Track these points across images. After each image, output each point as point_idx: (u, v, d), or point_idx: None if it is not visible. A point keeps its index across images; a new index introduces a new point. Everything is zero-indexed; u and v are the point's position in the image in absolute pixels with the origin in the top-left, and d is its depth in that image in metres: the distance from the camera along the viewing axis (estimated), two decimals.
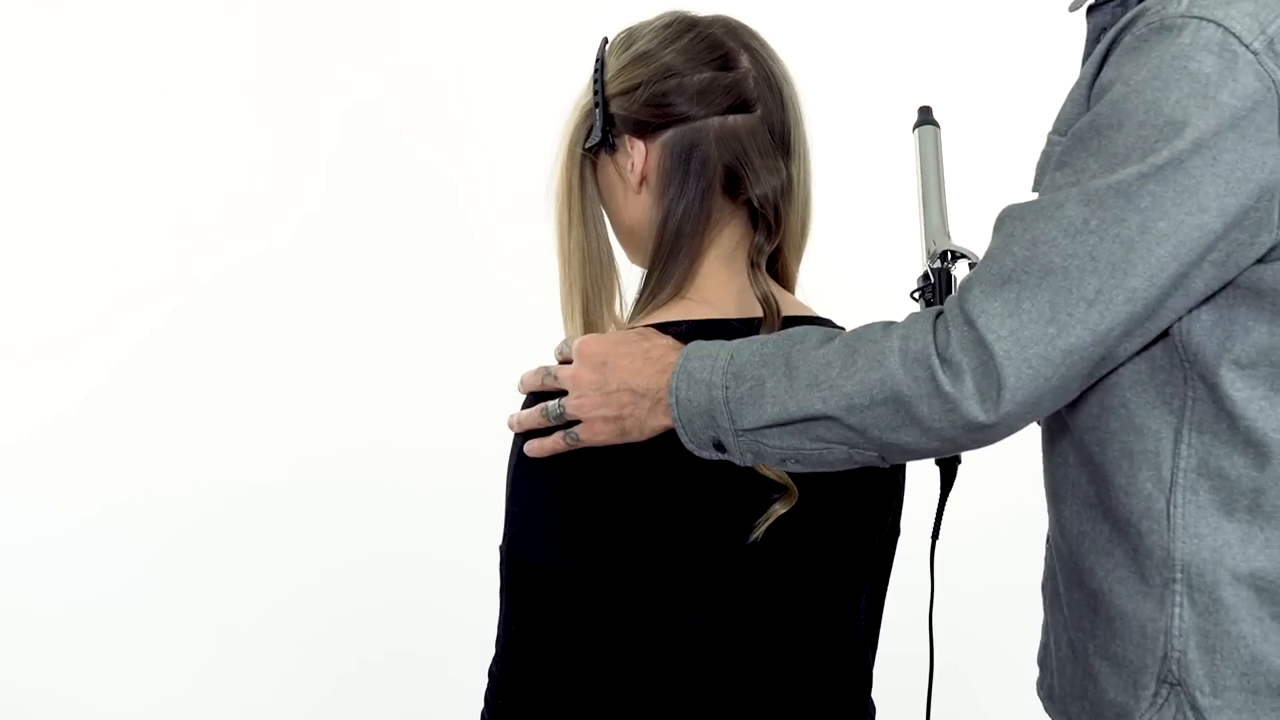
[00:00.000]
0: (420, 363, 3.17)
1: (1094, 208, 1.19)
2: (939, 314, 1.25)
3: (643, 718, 1.41)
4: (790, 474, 1.38)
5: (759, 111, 1.42)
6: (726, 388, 1.29)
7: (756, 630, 1.43)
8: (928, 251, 1.52)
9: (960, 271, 1.50)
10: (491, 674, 1.40)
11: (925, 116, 1.60)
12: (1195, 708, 1.29)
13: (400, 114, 3.18)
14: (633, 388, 1.34)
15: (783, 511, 1.39)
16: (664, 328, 1.40)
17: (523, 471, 1.37)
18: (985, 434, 1.23)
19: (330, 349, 3.18)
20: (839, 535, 1.48)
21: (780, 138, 1.44)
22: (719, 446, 1.31)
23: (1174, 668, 1.30)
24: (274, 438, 3.18)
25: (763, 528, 1.39)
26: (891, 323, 1.27)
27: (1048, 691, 1.47)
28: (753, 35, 1.46)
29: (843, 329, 1.30)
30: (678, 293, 1.44)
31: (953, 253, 1.50)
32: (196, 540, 3.19)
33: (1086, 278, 1.18)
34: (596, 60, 1.47)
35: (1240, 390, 1.25)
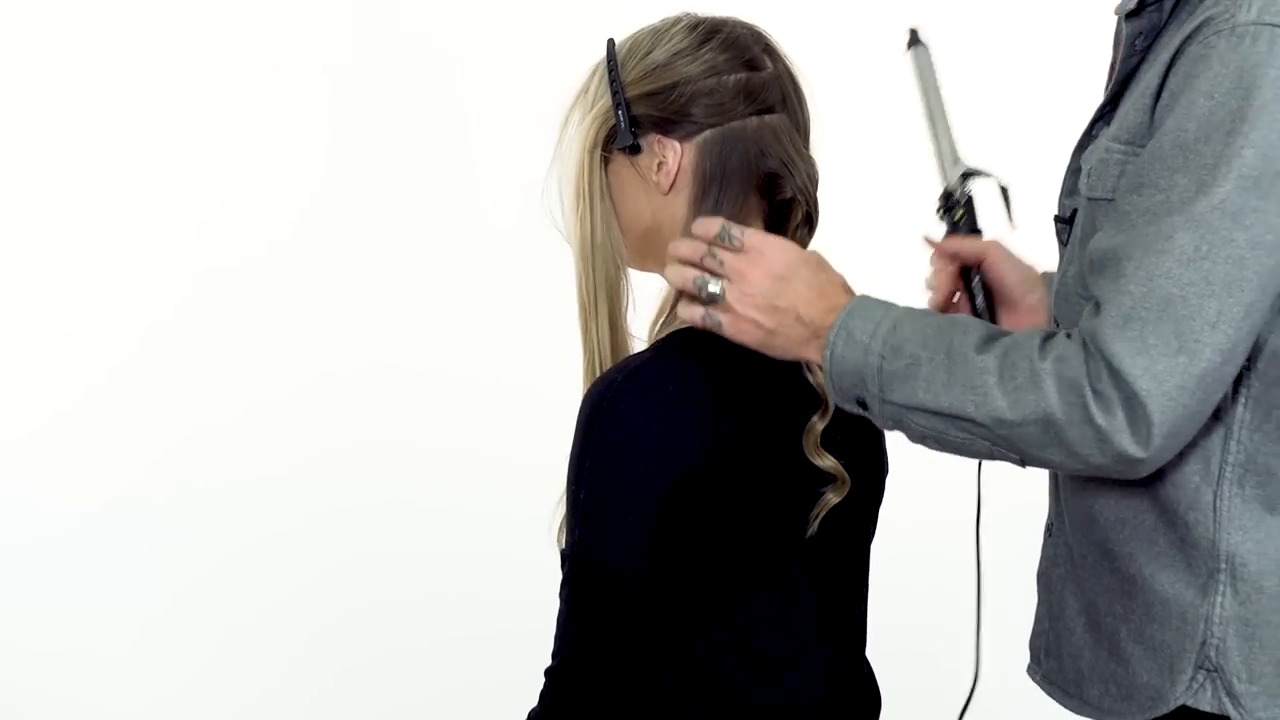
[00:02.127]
0: (421, 357, 3.16)
1: (1203, 232, 1.21)
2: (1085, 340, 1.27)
3: (704, 713, 1.44)
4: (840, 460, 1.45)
5: (788, 110, 1.47)
6: (883, 357, 1.32)
7: (808, 615, 1.49)
8: (944, 174, 1.55)
9: (980, 190, 1.54)
10: (551, 675, 1.40)
11: (915, 37, 1.59)
12: (1231, 693, 1.33)
13: (399, 107, 3.16)
14: (800, 314, 1.36)
15: (835, 501, 1.45)
16: (706, 331, 1.42)
17: (590, 476, 1.38)
18: (1135, 467, 1.26)
19: (330, 344, 3.16)
20: (860, 514, 1.55)
21: (804, 134, 1.49)
22: (862, 404, 1.35)
23: (1212, 654, 1.33)
24: (273, 433, 3.15)
25: (818, 519, 1.45)
26: (1049, 335, 1.29)
27: (1048, 676, 1.50)
28: (768, 36, 1.50)
29: (998, 331, 1.34)
30: None
31: (972, 171, 1.53)
32: (196, 535, 3.15)
33: (1206, 302, 1.21)
34: (609, 61, 1.48)
35: None
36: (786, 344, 1.37)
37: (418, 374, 3.18)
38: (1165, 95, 1.28)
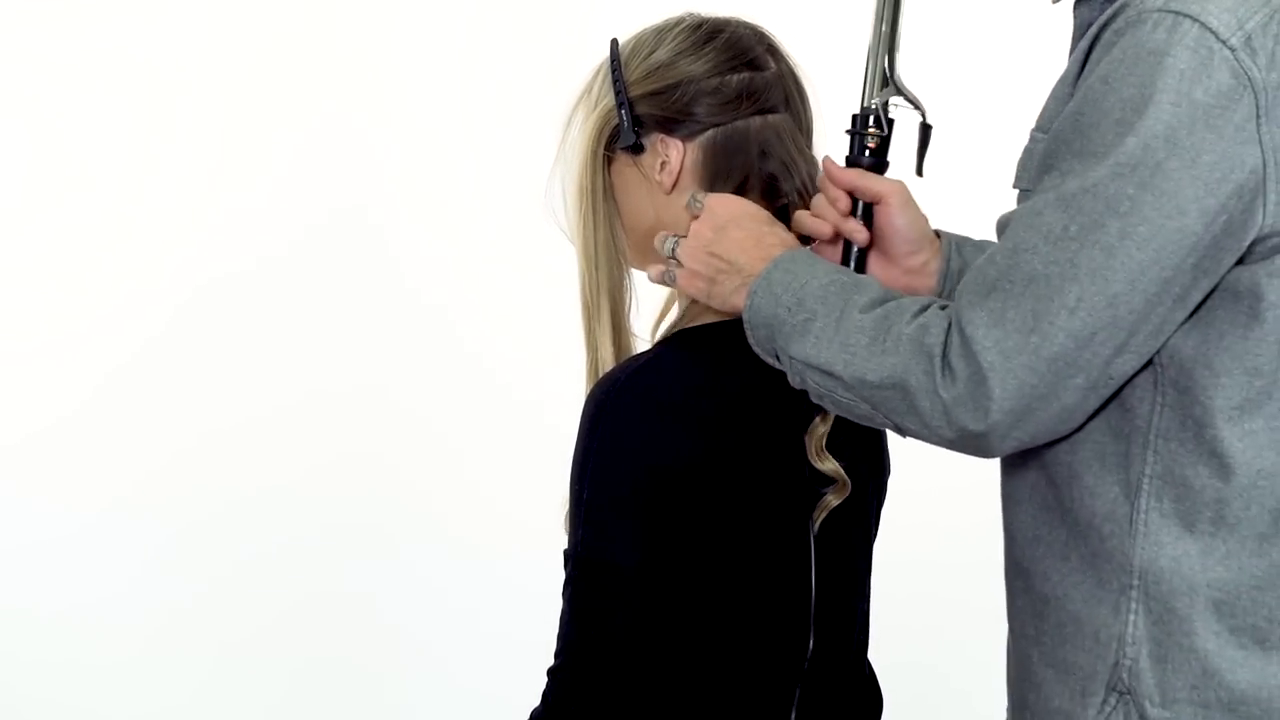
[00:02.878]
0: (424, 359, 3.15)
1: (1073, 213, 1.18)
2: None
3: (705, 713, 1.44)
4: (840, 462, 1.44)
5: (791, 109, 1.47)
6: (789, 309, 1.30)
7: (810, 616, 1.48)
8: (868, 93, 1.44)
9: (901, 115, 1.43)
10: (554, 674, 1.40)
11: None
12: (1144, 718, 1.26)
13: (401, 109, 3.16)
14: (732, 261, 1.36)
15: (836, 503, 1.45)
16: (712, 328, 1.43)
17: (594, 476, 1.38)
18: (979, 443, 1.23)
19: (333, 353, 3.16)
20: (862, 516, 1.54)
21: (807, 133, 1.50)
22: (777, 359, 1.34)
23: (1125, 676, 1.26)
24: (277, 441, 3.14)
25: (820, 520, 1.45)
26: (928, 303, 1.27)
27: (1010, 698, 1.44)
28: (771, 36, 1.51)
29: (892, 294, 1.31)
30: None
31: (902, 97, 1.44)
32: (199, 542, 3.14)
33: (1068, 285, 1.17)
34: (612, 61, 1.48)
35: (1213, 398, 1.23)
36: (723, 293, 1.37)
37: (422, 379, 3.17)
38: (1080, 82, 1.24)
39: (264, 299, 3.16)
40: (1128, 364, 1.22)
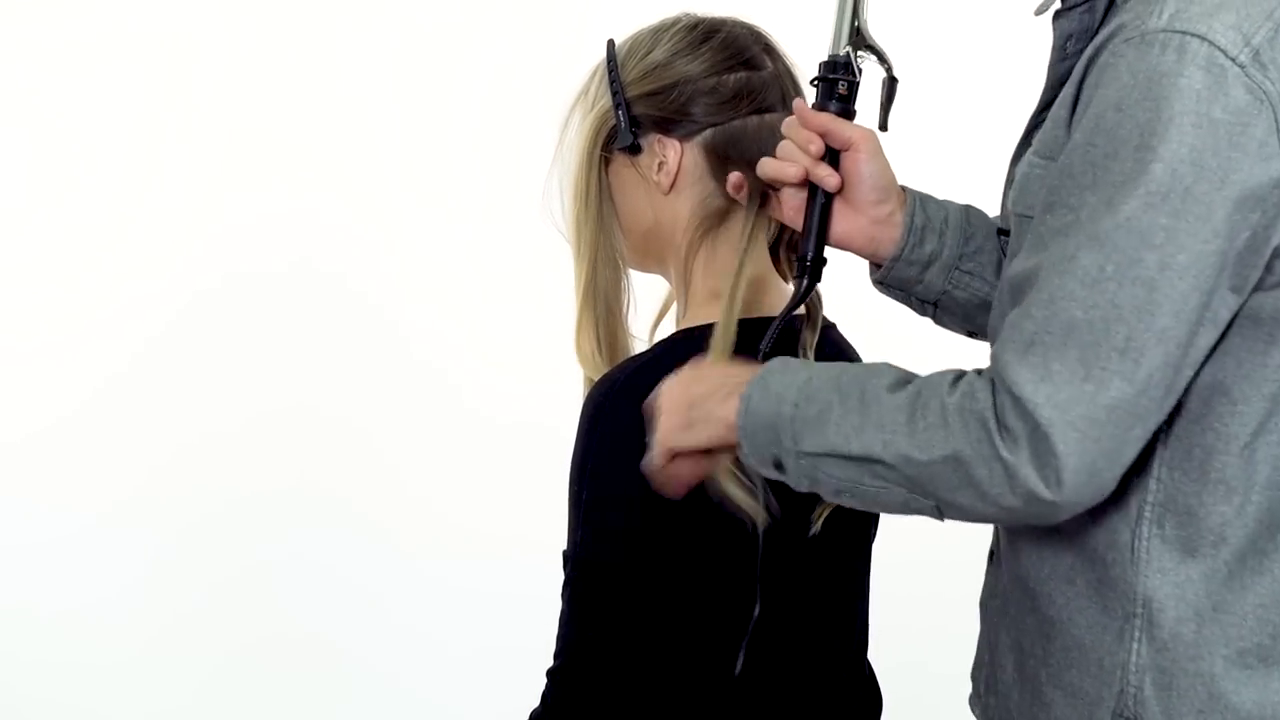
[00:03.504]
0: (423, 362, 3.16)
1: (1108, 252, 1.13)
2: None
3: (705, 713, 1.44)
4: None
5: (788, 109, 1.45)
6: (796, 405, 1.24)
7: (810, 615, 1.48)
8: (838, 42, 1.40)
9: (868, 66, 1.39)
10: (553, 675, 1.40)
11: None
12: None
13: (399, 111, 3.16)
14: (715, 390, 1.30)
15: (836, 503, 1.41)
16: (709, 329, 1.41)
17: (593, 476, 1.38)
18: (1051, 510, 1.17)
19: (333, 354, 3.16)
20: (862, 515, 1.53)
21: None
22: (778, 466, 1.27)
23: (1130, 703, 1.26)
24: (278, 441, 3.14)
25: (820, 520, 1.44)
26: (961, 374, 1.22)
27: (985, 711, 1.42)
28: (768, 35, 1.51)
29: (913, 375, 1.26)
30: (714, 291, 1.46)
31: (870, 49, 1.40)
32: (199, 543, 3.14)
33: (1113, 327, 1.13)
34: (608, 62, 1.48)
35: (1226, 426, 1.22)
36: (704, 415, 1.29)
37: (422, 379, 3.18)
38: (1079, 107, 1.21)
39: (264, 300, 3.17)
40: (1172, 401, 1.19)
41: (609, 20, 1.66)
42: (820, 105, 1.40)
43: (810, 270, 1.40)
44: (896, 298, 1.50)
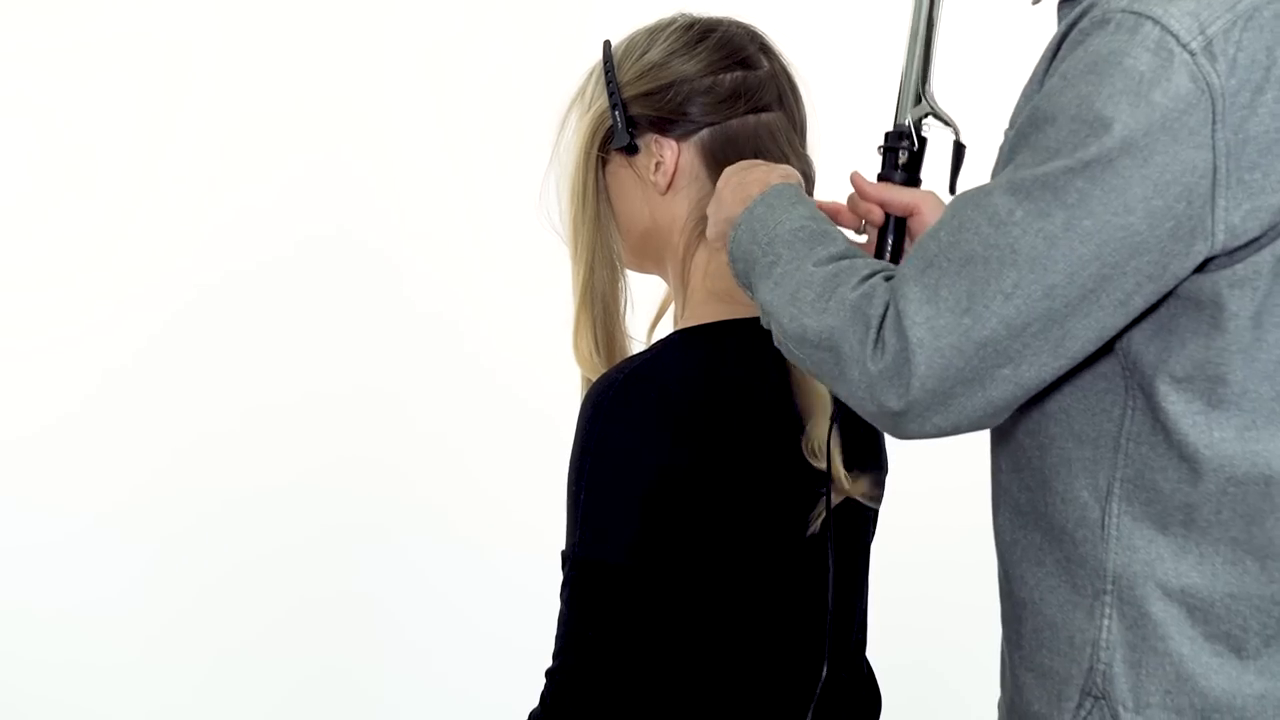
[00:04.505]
0: (423, 362, 3.17)
1: (1020, 198, 1.16)
2: None
3: (704, 713, 1.44)
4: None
5: (784, 108, 1.47)
6: (761, 248, 1.30)
7: (808, 614, 1.48)
8: (902, 109, 1.42)
9: (934, 134, 1.42)
10: (552, 675, 1.40)
11: None
12: None
13: (397, 111, 3.17)
14: (728, 216, 1.36)
15: (835, 503, 1.44)
16: (711, 328, 1.43)
17: (591, 476, 1.38)
18: (896, 422, 1.20)
19: (333, 353, 3.17)
20: (860, 515, 1.54)
21: (800, 132, 1.50)
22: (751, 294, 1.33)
23: (1099, 680, 1.26)
24: (278, 441, 3.15)
25: (818, 521, 1.44)
26: (879, 269, 1.25)
27: (999, 708, 1.43)
28: (763, 35, 1.51)
29: (853, 251, 1.29)
30: (712, 291, 1.47)
31: (935, 115, 1.42)
32: (199, 542, 3.15)
33: (1005, 270, 1.16)
34: (605, 63, 1.48)
35: (1175, 404, 1.22)
36: (726, 205, 1.37)
37: (422, 379, 3.19)
38: (1046, 79, 1.23)
39: (265, 300, 3.18)
40: (1057, 364, 1.20)
41: (608, 20, 1.67)
42: (885, 175, 1.42)
43: None
44: None
